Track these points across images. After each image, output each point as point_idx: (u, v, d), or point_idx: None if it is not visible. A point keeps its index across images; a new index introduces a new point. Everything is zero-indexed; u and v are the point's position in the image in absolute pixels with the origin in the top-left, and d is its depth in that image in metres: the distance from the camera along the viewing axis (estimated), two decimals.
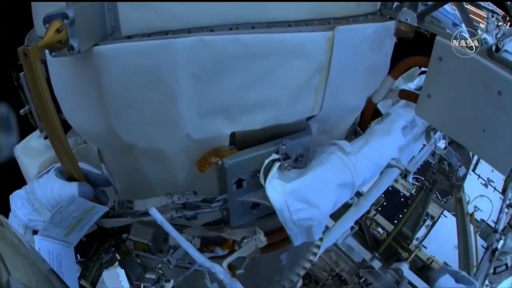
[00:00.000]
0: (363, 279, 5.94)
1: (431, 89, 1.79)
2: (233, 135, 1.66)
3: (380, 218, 6.51)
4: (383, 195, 7.30)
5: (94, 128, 1.67)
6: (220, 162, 1.61)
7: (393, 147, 1.99)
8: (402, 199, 6.54)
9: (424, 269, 5.69)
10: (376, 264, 5.97)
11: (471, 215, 5.56)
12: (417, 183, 6.60)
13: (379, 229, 6.37)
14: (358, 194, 6.76)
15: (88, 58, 1.37)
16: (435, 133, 2.16)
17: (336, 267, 6.53)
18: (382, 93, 2.10)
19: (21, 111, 2.04)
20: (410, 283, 5.20)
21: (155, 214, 1.53)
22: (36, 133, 2.23)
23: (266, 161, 1.64)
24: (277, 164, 1.64)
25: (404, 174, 1.94)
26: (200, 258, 1.66)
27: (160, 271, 1.79)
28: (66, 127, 1.74)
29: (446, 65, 1.67)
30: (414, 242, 5.93)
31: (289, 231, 1.64)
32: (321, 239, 3.81)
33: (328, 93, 1.68)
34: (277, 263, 2.93)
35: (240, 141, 1.70)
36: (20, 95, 2.00)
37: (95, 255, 1.73)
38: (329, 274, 6.59)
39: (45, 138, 2.10)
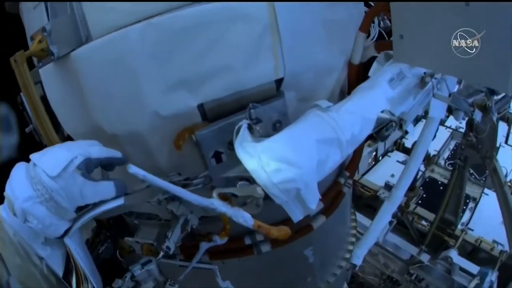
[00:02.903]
0: (414, 275, 5.61)
1: (401, 29, 1.67)
2: (204, 110, 1.66)
3: (421, 211, 6.24)
4: (421, 188, 7.06)
5: (83, 128, 1.81)
6: (192, 136, 1.62)
7: (381, 99, 1.81)
8: (441, 187, 6.27)
9: (474, 252, 5.33)
10: (425, 258, 5.63)
11: (510, 184, 5.21)
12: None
13: (423, 222, 6.08)
14: (389, 188, 6.62)
15: (68, 64, 1.62)
16: (431, 79, 2.00)
17: (386, 270, 6.26)
18: (358, 51, 1.98)
19: (26, 129, 2.14)
20: (461, 269, 4.88)
21: (135, 170, 1.39)
22: None
23: (236, 127, 1.54)
24: (245, 125, 1.53)
25: (400, 125, 1.78)
26: (196, 198, 1.49)
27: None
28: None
29: None
30: (460, 227, 5.59)
31: (277, 200, 1.50)
32: (355, 234, 3.67)
33: (287, 53, 1.64)
34: (302, 260, 2.75)
35: (212, 115, 1.68)
36: (25, 116, 2.09)
37: (92, 246, 1.63)
38: (380, 279, 6.33)
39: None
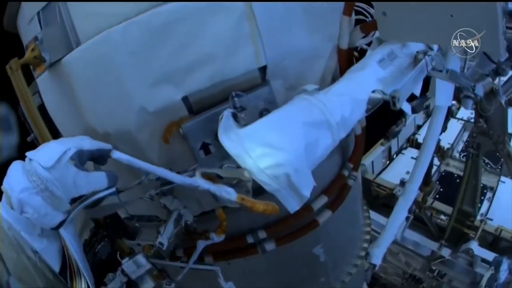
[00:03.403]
0: (436, 271, 5.44)
1: (382, 6, 1.63)
2: (190, 104, 1.66)
3: (439, 205, 6.08)
4: (438, 182, 6.91)
5: (78, 133, 1.76)
6: (180, 129, 1.62)
7: (370, 80, 1.75)
8: (457, 180, 6.13)
9: (495, 242, 5.16)
10: (446, 252, 5.45)
11: None
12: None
13: (442, 216, 5.93)
14: (403, 184, 6.50)
15: (61, 71, 1.69)
16: (424, 56, 1.93)
17: (408, 268, 6.10)
18: (344, 36, 1.93)
19: (28, 138, 2.18)
20: (484, 260, 4.73)
21: (118, 155, 1.39)
22: None
23: (220, 116, 1.51)
24: (228, 113, 1.50)
25: (393, 103, 1.71)
26: (178, 178, 1.44)
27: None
28: None
29: None
30: (478, 217, 5.43)
31: (268, 187, 1.43)
32: (368, 227, 3.56)
33: (267, 39, 1.63)
34: (312, 259, 2.66)
35: (198, 108, 1.67)
36: (26, 126, 2.12)
37: (89, 245, 1.61)
38: (402, 278, 6.17)
39: None
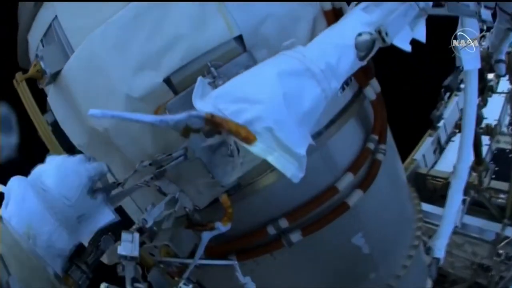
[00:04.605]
0: (504, 254, 5.04)
1: None
2: (173, 85, 1.70)
3: (497, 184, 5.68)
4: (491, 162, 6.47)
5: (84, 138, 1.99)
6: (166, 111, 1.65)
7: (355, 24, 1.62)
8: (510, 155, 5.74)
9: None
10: (510, 232, 5.07)
11: None
12: None
13: (501, 195, 5.53)
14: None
15: (62, 82, 1.88)
16: None
17: (475, 258, 5.69)
18: None
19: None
20: None
21: (93, 111, 1.41)
22: None
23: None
24: (201, 80, 1.45)
25: (382, 38, 1.55)
26: (144, 117, 1.45)
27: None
28: None
29: None
30: None
31: (253, 149, 1.36)
32: (419, 213, 3.27)
33: (236, 10, 1.68)
34: (353, 251, 2.43)
35: (182, 88, 1.69)
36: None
37: (93, 244, 1.61)
38: (471, 269, 5.75)
39: None
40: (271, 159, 1.35)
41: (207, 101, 1.37)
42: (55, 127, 2.10)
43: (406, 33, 1.75)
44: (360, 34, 1.53)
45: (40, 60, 1.85)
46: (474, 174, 5.67)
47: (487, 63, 4.26)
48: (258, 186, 1.94)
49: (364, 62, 1.65)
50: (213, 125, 1.34)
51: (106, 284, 1.47)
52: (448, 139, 8.47)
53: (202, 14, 1.64)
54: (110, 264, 1.85)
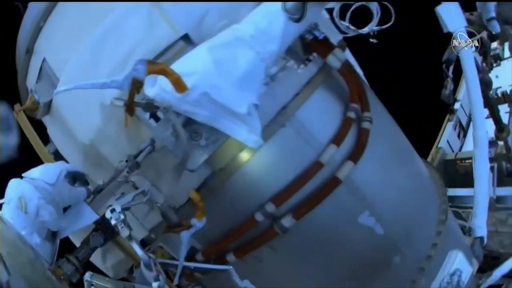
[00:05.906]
0: None
1: None
2: None
3: None
4: None
5: (80, 158, 2.11)
6: None
7: None
8: None
9: None
10: None
11: None
12: None
13: None
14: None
15: (54, 109, 2.14)
16: None
17: None
18: None
19: None
20: None
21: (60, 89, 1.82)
22: None
23: None
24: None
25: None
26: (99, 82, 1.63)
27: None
28: None
29: None
30: None
31: (198, 118, 1.51)
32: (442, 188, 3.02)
33: (176, 14, 1.89)
34: (363, 232, 2.23)
35: None
36: None
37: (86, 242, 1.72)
38: None
39: None
40: (215, 124, 1.48)
41: (152, 83, 1.52)
42: (57, 156, 2.29)
43: None
44: None
45: (34, 93, 2.13)
46: (500, 143, 5.42)
47: (480, 25, 4.15)
48: (232, 169, 1.92)
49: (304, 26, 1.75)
50: (155, 71, 1.47)
51: (91, 273, 1.55)
52: (470, 120, 8.13)
53: (150, 23, 1.88)
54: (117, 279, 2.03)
